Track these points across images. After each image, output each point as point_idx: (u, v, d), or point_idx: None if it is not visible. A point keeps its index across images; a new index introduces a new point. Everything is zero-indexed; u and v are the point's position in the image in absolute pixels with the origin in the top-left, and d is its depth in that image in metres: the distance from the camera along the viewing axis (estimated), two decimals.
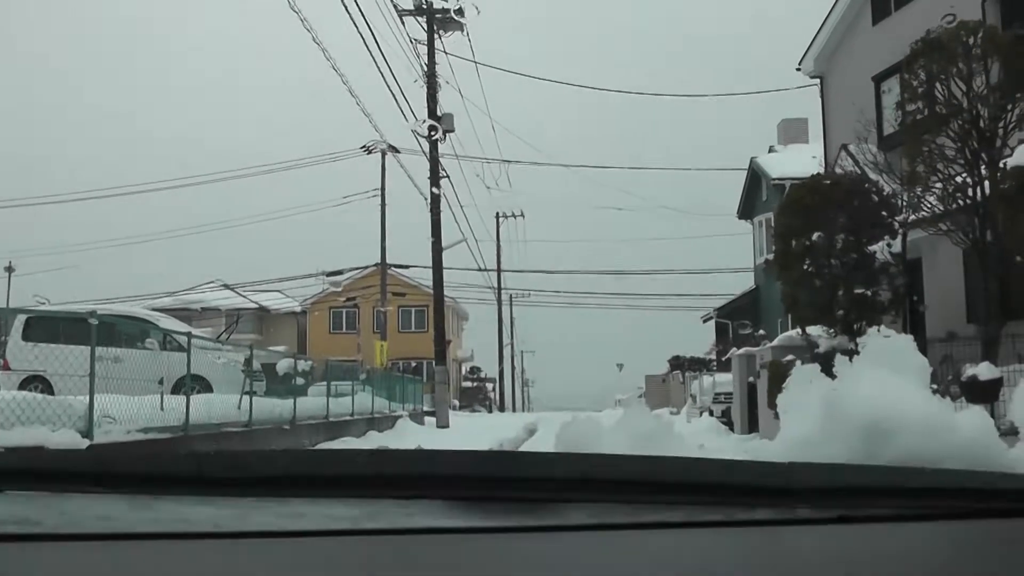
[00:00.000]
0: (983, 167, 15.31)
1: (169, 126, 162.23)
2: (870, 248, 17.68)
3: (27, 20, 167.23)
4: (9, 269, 60.25)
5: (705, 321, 49.86)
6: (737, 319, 42.59)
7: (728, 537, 1.36)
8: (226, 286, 62.22)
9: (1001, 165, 15.04)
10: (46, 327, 17.74)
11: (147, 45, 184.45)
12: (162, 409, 14.14)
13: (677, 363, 56.15)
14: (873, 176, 18.92)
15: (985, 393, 12.33)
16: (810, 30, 28.84)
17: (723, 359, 36.82)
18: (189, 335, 17.12)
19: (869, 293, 18.07)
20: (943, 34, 16.05)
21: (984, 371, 12.83)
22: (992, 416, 12.15)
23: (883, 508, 1.45)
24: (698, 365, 48.68)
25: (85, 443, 11.44)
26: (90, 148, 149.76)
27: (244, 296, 61.94)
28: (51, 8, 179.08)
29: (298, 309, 65.88)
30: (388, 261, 49.59)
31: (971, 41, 15.50)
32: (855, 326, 18.19)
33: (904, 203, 17.52)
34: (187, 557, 1.25)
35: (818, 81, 29.08)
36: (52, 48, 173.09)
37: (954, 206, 15.80)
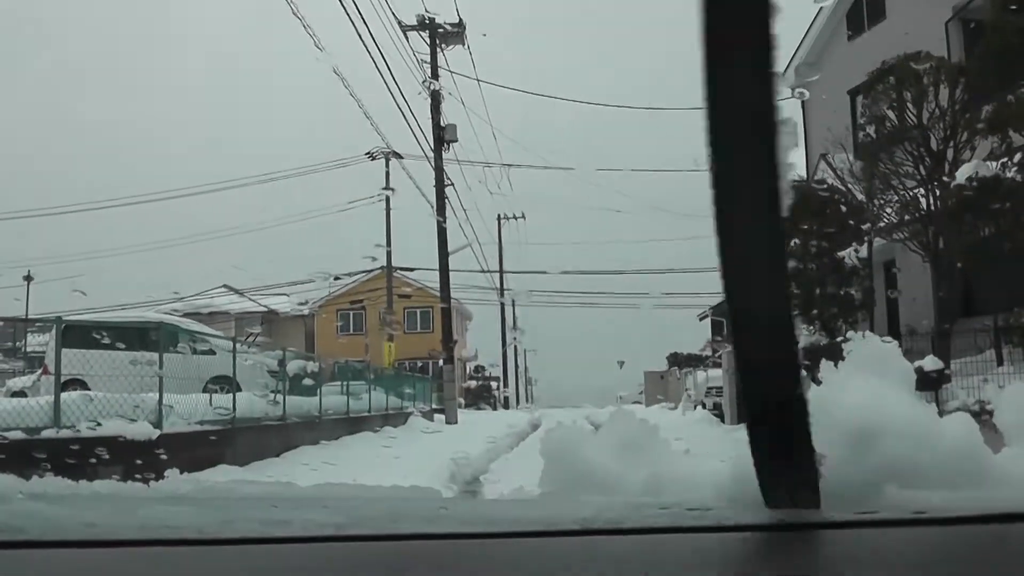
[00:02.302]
0: (935, 184, 16.94)
1: (178, 133, 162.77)
2: (839, 254, 19.28)
3: (37, 25, 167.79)
4: (28, 278, 61.30)
5: (701, 319, 50.57)
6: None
7: (715, 542, 1.35)
8: (233, 290, 62.72)
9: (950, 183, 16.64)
10: (83, 334, 18.95)
11: (156, 52, 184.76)
12: (211, 405, 15.90)
13: (675, 360, 57.38)
14: (850, 184, 20.33)
15: (929, 383, 14.07)
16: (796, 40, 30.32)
17: (716, 355, 37.96)
18: (234, 340, 18.64)
19: (842, 293, 19.70)
20: (896, 64, 17.64)
21: (928, 363, 14.60)
22: (936, 402, 14.02)
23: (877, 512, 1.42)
24: (694, 361, 49.74)
25: (156, 433, 13.20)
26: (99, 155, 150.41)
27: (253, 300, 62.48)
28: (53, 10, 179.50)
29: (306, 312, 66.42)
30: (394, 264, 50.84)
31: (921, 71, 17.08)
32: (832, 324, 19.90)
33: (871, 212, 19.05)
34: (172, 563, 1.25)
35: (799, 93, 30.44)
36: (53, 54, 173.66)
37: (907, 218, 17.47)
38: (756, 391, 1.38)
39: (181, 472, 12.95)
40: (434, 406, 37.84)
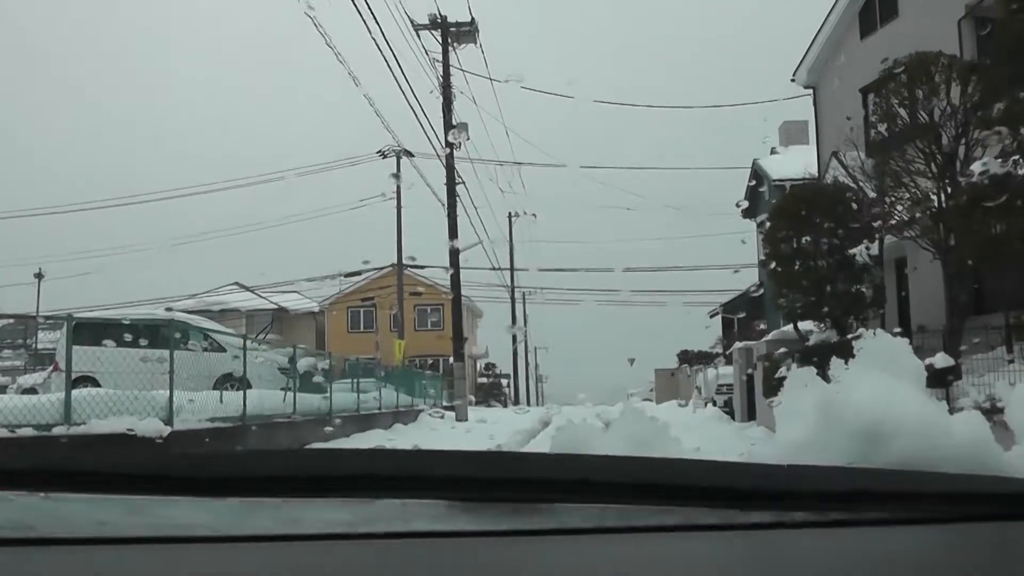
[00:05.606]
0: (946, 181, 16.99)
1: (186, 134, 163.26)
2: (850, 251, 19.28)
3: (47, 26, 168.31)
4: (38, 276, 61.51)
5: (712, 316, 50.52)
6: (742, 314, 43.72)
7: (724, 541, 1.34)
8: (244, 288, 62.88)
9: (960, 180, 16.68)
10: (93, 331, 19.02)
11: (168, 52, 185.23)
12: (221, 402, 15.98)
13: (685, 357, 57.50)
14: (861, 181, 20.37)
15: (939, 380, 14.08)
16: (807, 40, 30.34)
17: (727, 353, 38.03)
18: (245, 337, 18.74)
19: (853, 290, 19.70)
20: (908, 62, 17.67)
21: (939, 360, 14.59)
22: (947, 399, 14.02)
23: (879, 512, 1.43)
24: (704, 359, 49.77)
25: (167, 430, 13.26)
26: (111, 156, 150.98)
27: (263, 297, 62.63)
28: (64, 10, 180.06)
29: (316, 309, 66.56)
30: (405, 261, 50.91)
31: (933, 69, 17.14)
32: (843, 321, 19.90)
33: (883, 209, 19.07)
34: (183, 561, 1.25)
35: (811, 91, 30.52)
36: (64, 54, 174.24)
37: (918, 215, 17.50)
38: None
39: None
40: (445, 403, 37.88)
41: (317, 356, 25.23)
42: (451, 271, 36.12)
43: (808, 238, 19.84)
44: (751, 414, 25.92)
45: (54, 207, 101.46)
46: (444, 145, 35.48)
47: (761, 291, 40.63)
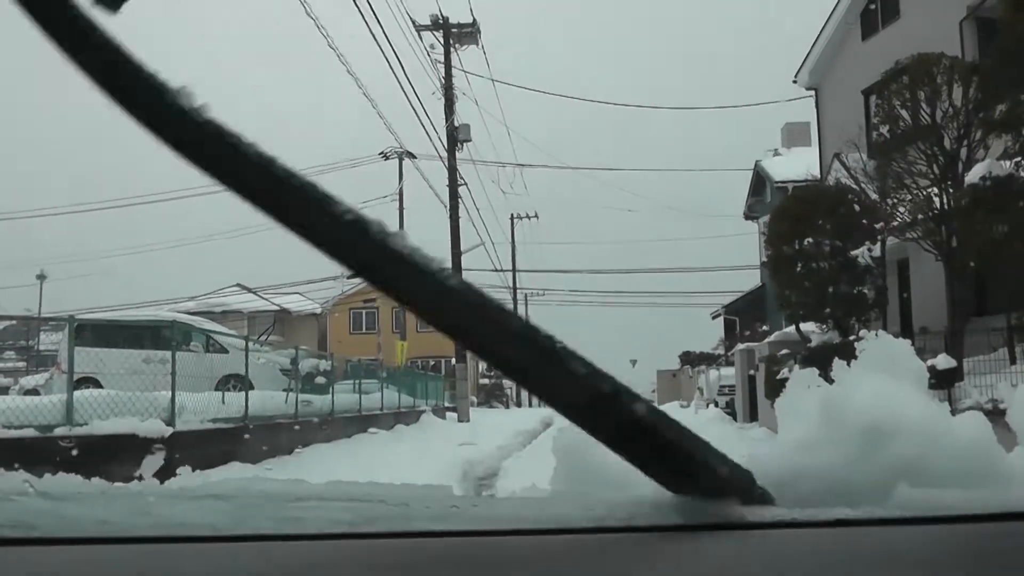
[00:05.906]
0: (949, 183, 17.00)
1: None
2: (852, 253, 19.30)
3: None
4: (40, 277, 61.55)
5: (714, 318, 50.51)
6: (744, 315, 43.80)
7: (724, 541, 1.34)
8: (246, 289, 62.87)
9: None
10: (95, 333, 18.99)
11: (168, 50, 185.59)
12: (223, 403, 16.00)
13: (687, 359, 57.58)
14: (863, 183, 20.41)
15: (941, 381, 14.08)
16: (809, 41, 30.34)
17: (729, 354, 38.06)
18: (247, 339, 18.74)
19: (855, 292, 19.72)
20: (909, 63, 17.70)
21: (942, 361, 14.61)
22: (949, 400, 14.03)
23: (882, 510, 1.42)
24: (706, 360, 49.85)
25: (169, 431, 13.27)
26: (111, 156, 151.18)
27: (265, 299, 62.62)
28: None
29: (318, 311, 66.58)
30: None
31: (935, 70, 17.18)
32: (845, 322, 19.92)
33: (884, 211, 19.10)
34: (185, 560, 1.26)
35: (813, 93, 30.52)
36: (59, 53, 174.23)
37: (920, 216, 17.52)
38: None
39: (194, 470, 13.14)
40: (447, 404, 37.87)
41: (319, 357, 25.19)
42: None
43: (810, 239, 19.88)
44: (753, 415, 25.94)
45: (55, 208, 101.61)
46: (446, 147, 35.53)
47: (763, 292, 40.78)
